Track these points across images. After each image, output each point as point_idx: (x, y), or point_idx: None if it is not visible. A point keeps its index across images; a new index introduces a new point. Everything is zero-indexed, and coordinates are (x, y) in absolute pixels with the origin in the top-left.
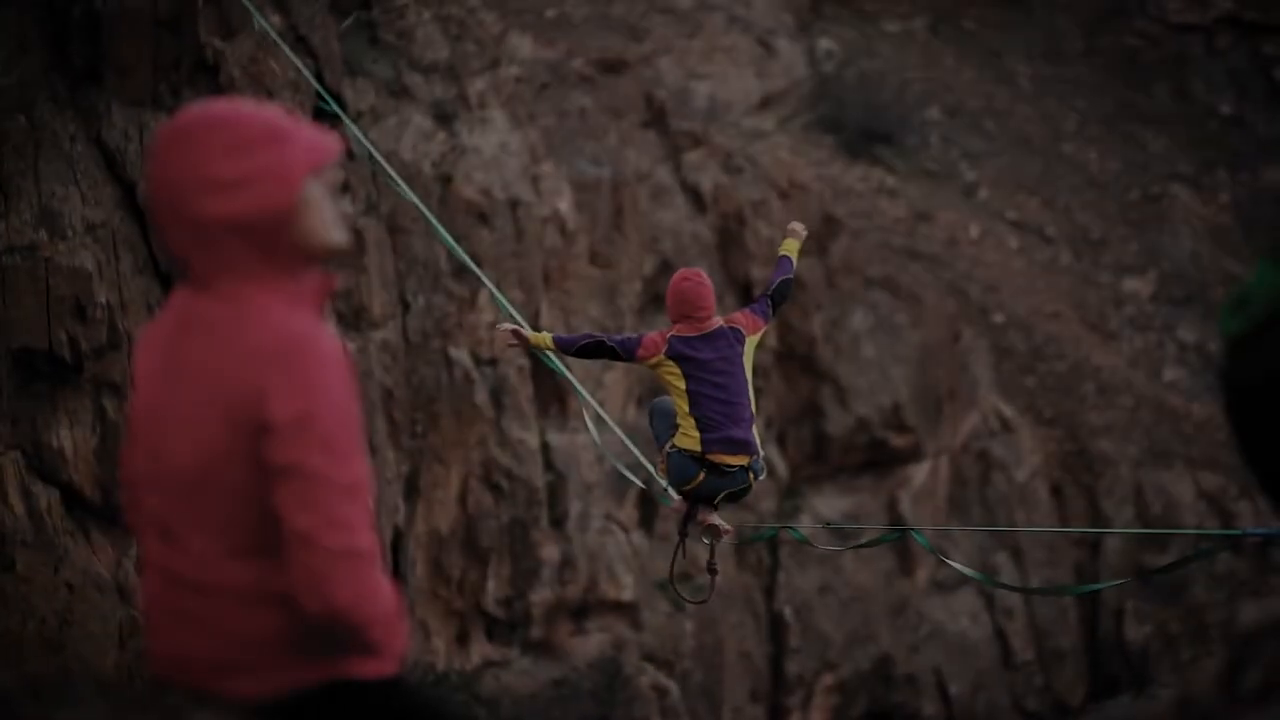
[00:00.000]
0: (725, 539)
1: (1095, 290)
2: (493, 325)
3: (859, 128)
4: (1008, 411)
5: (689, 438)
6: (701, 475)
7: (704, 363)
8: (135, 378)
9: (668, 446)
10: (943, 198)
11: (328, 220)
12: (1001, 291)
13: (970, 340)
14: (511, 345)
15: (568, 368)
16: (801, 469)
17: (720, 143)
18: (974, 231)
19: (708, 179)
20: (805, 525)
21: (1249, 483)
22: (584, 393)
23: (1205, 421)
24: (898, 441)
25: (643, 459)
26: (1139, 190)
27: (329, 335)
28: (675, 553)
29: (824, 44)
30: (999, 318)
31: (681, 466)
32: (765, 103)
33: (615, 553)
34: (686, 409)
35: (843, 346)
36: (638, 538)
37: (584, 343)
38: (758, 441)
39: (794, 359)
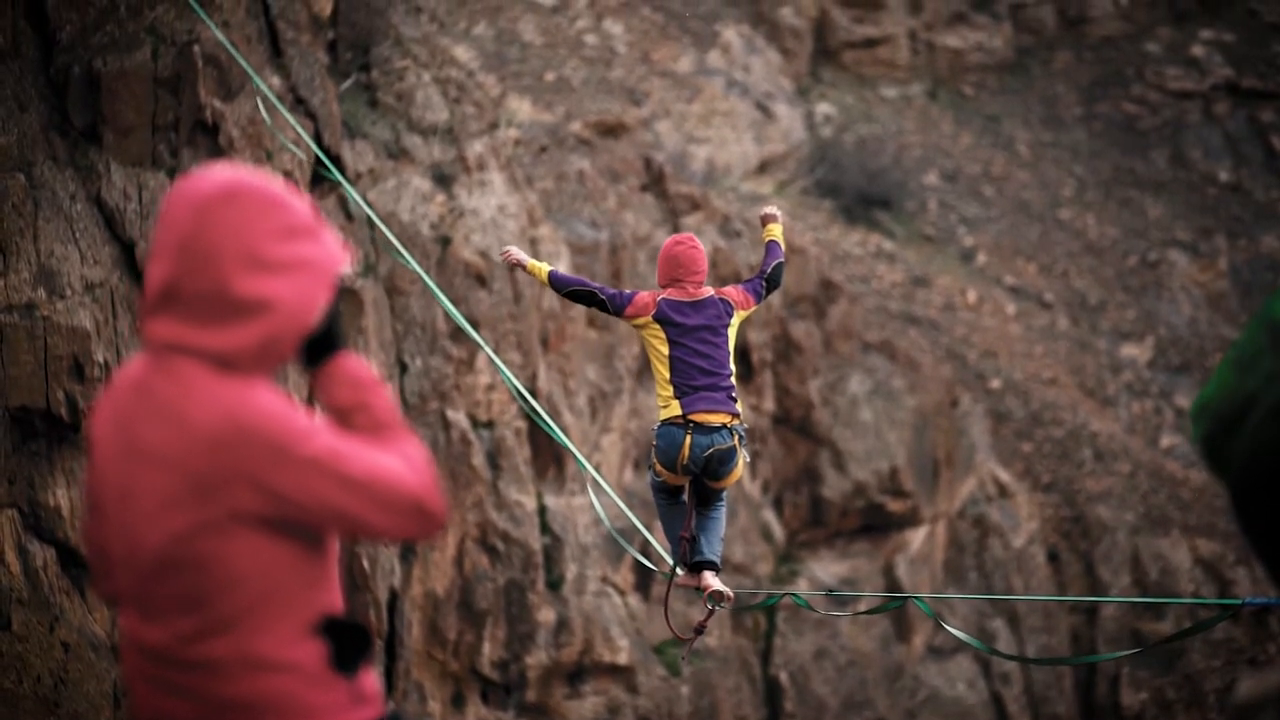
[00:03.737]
0: (727, 606)
1: (1093, 356)
2: (490, 388)
3: (857, 192)
4: (1005, 477)
5: (669, 407)
6: (688, 438)
7: (690, 329)
8: (94, 449)
9: (654, 428)
10: (940, 263)
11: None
12: (999, 357)
13: (967, 405)
14: (512, 265)
15: (565, 434)
16: (798, 533)
17: (718, 206)
18: (971, 297)
19: (706, 242)
20: (806, 591)
21: (1246, 550)
22: (584, 460)
23: (1202, 488)
24: (895, 506)
25: (639, 524)
26: (1137, 256)
27: (265, 394)
28: (665, 603)
29: (822, 108)
30: (996, 383)
31: (668, 437)
32: (763, 167)
33: (611, 616)
34: (667, 375)
35: (840, 411)
36: (634, 601)
37: (576, 286)
38: (738, 409)
39: (791, 423)
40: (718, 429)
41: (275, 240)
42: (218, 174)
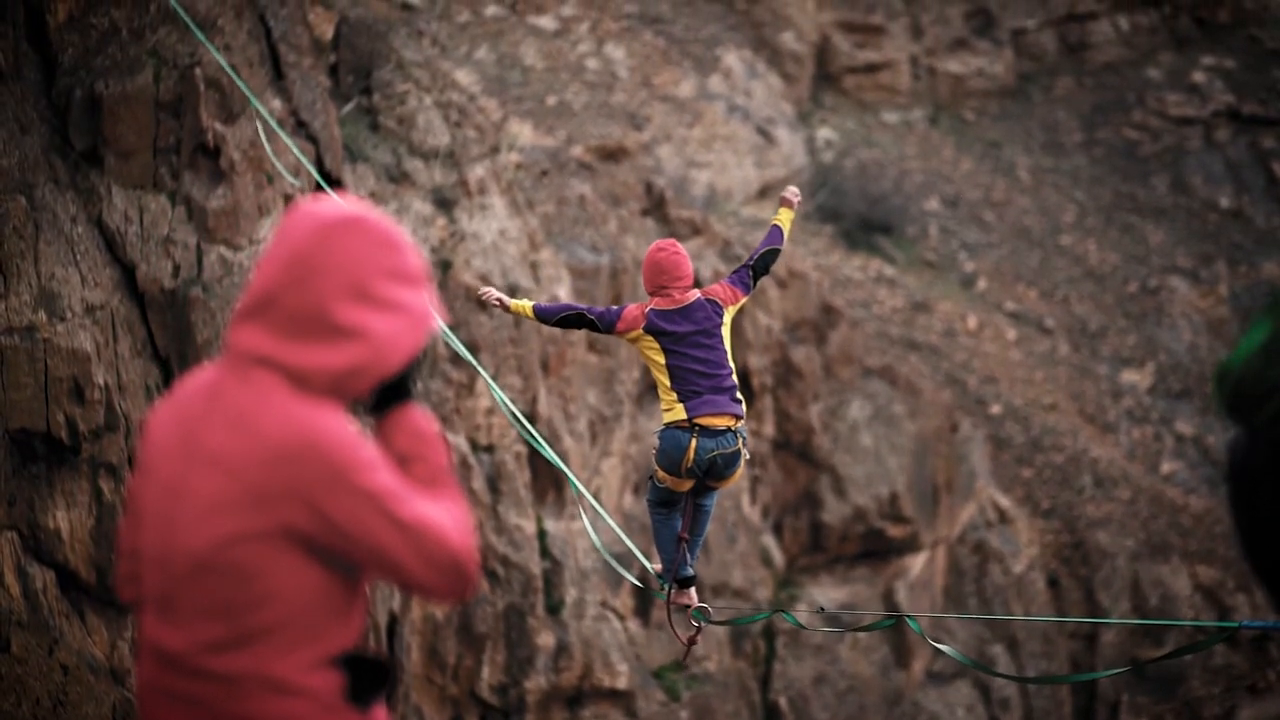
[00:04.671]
0: (711, 618)
1: (1093, 382)
2: (489, 411)
3: (858, 217)
4: (1005, 502)
5: (673, 411)
6: (693, 441)
7: (683, 336)
8: (148, 449)
9: (657, 431)
10: (941, 288)
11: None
12: (999, 382)
13: (968, 431)
14: (493, 305)
15: (564, 460)
16: (798, 558)
17: (719, 231)
18: (972, 322)
19: (706, 267)
20: (799, 610)
21: (1246, 576)
22: (580, 486)
23: (1203, 514)
24: (895, 531)
25: (633, 547)
26: (1137, 282)
27: (336, 420)
28: (669, 619)
29: (823, 134)
30: (996, 409)
31: (673, 440)
32: (764, 191)
33: (611, 640)
34: (668, 383)
35: (840, 436)
36: (633, 626)
37: (564, 314)
38: (742, 408)
39: (791, 448)
40: (722, 432)
41: (384, 278)
42: (347, 204)
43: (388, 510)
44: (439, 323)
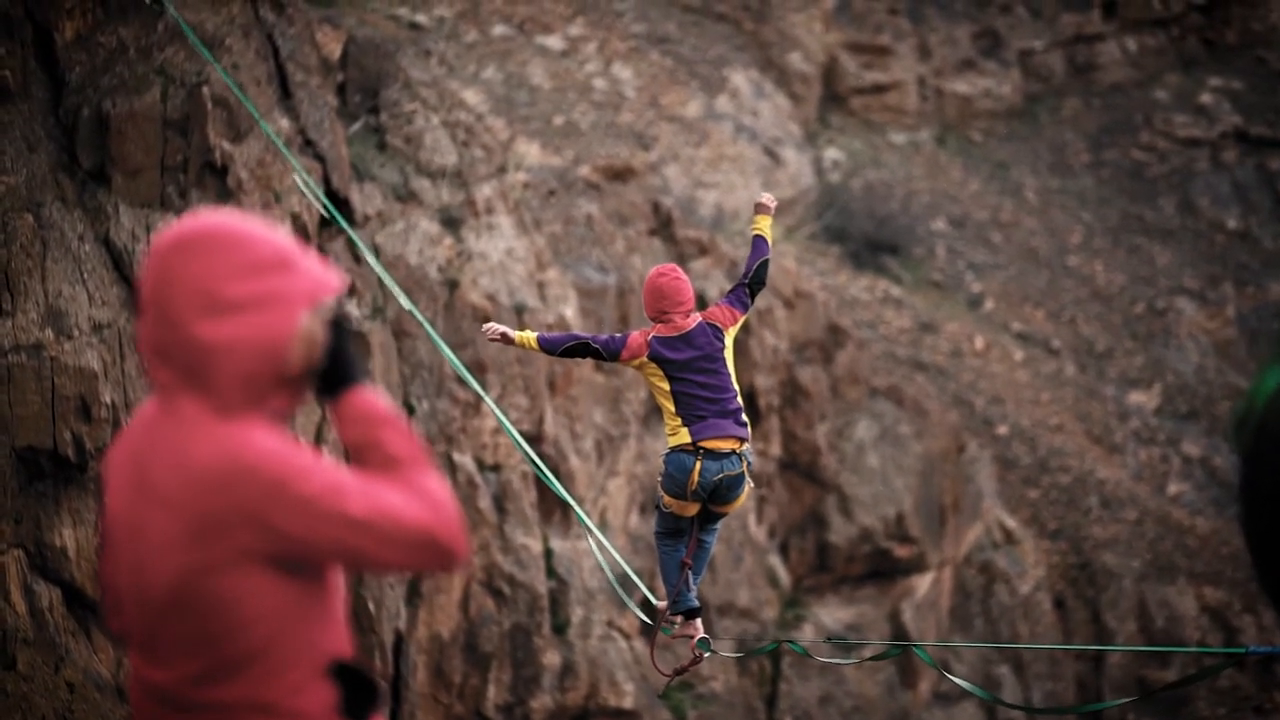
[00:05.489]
0: (714, 650)
1: (1100, 403)
2: (496, 431)
3: (865, 238)
4: (1011, 523)
5: (678, 435)
6: (698, 464)
7: (686, 363)
8: (108, 489)
9: (663, 455)
10: (948, 309)
11: (316, 354)
12: (1006, 403)
13: (974, 452)
14: (494, 341)
15: (572, 478)
16: (804, 579)
17: (726, 251)
18: (979, 343)
19: (713, 287)
20: (806, 638)
21: (1253, 597)
22: (583, 515)
23: (1209, 536)
24: (901, 552)
25: (636, 578)
26: (1144, 303)
27: (264, 434)
28: (651, 647)
29: (830, 154)
30: (1003, 429)
31: (677, 464)
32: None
33: (617, 660)
34: (673, 409)
35: (847, 456)
36: (639, 645)
37: (569, 344)
38: (747, 431)
39: (798, 468)
40: (727, 455)
41: (234, 279)
42: (181, 223)
43: (336, 510)
44: (338, 284)
